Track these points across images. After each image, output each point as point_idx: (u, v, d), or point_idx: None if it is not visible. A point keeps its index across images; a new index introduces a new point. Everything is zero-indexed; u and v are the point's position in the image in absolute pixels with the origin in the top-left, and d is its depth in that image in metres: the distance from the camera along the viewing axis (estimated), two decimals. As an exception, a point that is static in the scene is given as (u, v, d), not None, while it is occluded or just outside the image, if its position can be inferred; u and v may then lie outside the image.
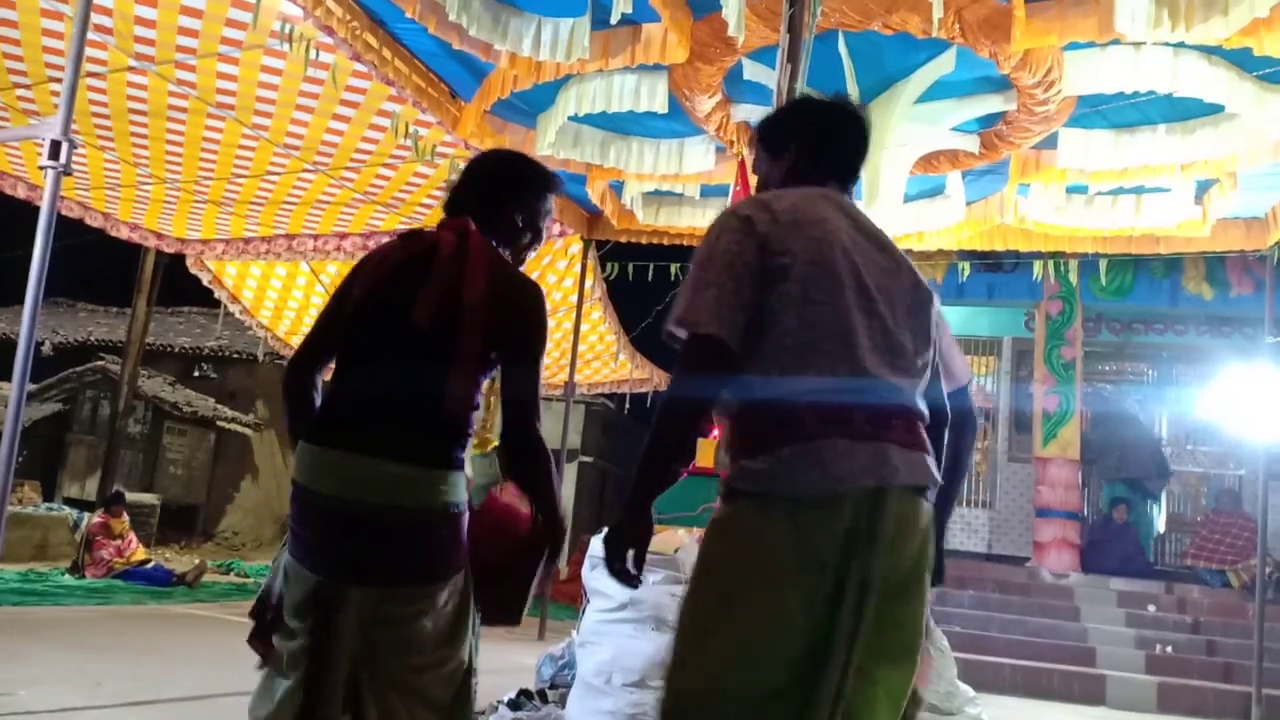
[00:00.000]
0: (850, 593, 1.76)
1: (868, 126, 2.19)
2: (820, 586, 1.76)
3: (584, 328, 9.04)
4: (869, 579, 1.76)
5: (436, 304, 2.13)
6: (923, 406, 1.92)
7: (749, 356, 1.83)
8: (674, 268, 9.10)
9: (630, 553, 1.86)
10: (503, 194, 2.35)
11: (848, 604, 1.75)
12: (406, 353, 2.13)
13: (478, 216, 2.28)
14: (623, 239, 8.32)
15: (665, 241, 8.21)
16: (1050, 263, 8.82)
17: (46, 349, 17.59)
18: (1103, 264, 9.10)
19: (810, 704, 1.74)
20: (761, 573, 1.78)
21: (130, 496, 12.43)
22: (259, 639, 2.20)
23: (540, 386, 2.23)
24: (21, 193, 7.53)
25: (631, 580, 1.88)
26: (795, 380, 1.82)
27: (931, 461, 1.89)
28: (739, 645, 1.77)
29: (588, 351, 10.31)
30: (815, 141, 2.12)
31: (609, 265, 9.10)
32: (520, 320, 2.19)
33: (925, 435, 1.90)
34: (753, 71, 5.24)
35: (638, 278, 9.30)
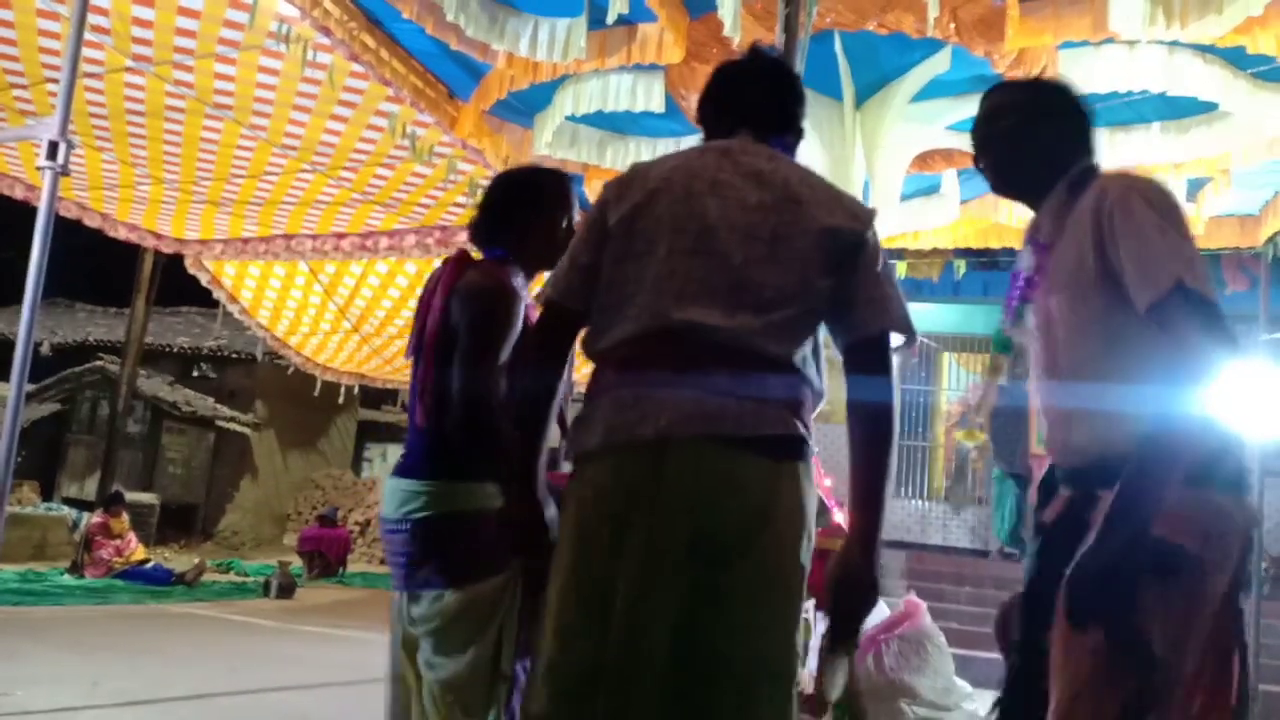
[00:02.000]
0: (630, 554, 1.63)
1: (780, 69, 2.11)
2: (609, 549, 1.65)
3: (582, 327, 9.04)
4: (655, 539, 1.62)
5: (414, 339, 2.38)
6: (773, 347, 1.72)
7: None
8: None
9: (525, 530, 1.94)
10: (519, 214, 2.43)
11: (628, 567, 1.63)
12: (413, 380, 2.40)
13: (503, 239, 2.40)
14: (620, 238, 8.31)
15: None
16: (1047, 261, 8.81)
17: (45, 349, 17.59)
18: (1099, 262, 9.10)
19: (613, 676, 1.61)
20: (564, 538, 1.76)
21: (129, 496, 12.44)
22: None
23: (484, 377, 2.21)
24: (19, 193, 7.54)
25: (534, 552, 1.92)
26: (603, 335, 1.81)
27: (773, 409, 1.69)
28: (548, 618, 1.73)
29: (586, 350, 10.31)
30: (716, 97, 2.09)
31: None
32: (462, 322, 2.28)
33: (771, 378, 1.71)
34: (749, 71, 5.26)
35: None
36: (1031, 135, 2.06)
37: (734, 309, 1.71)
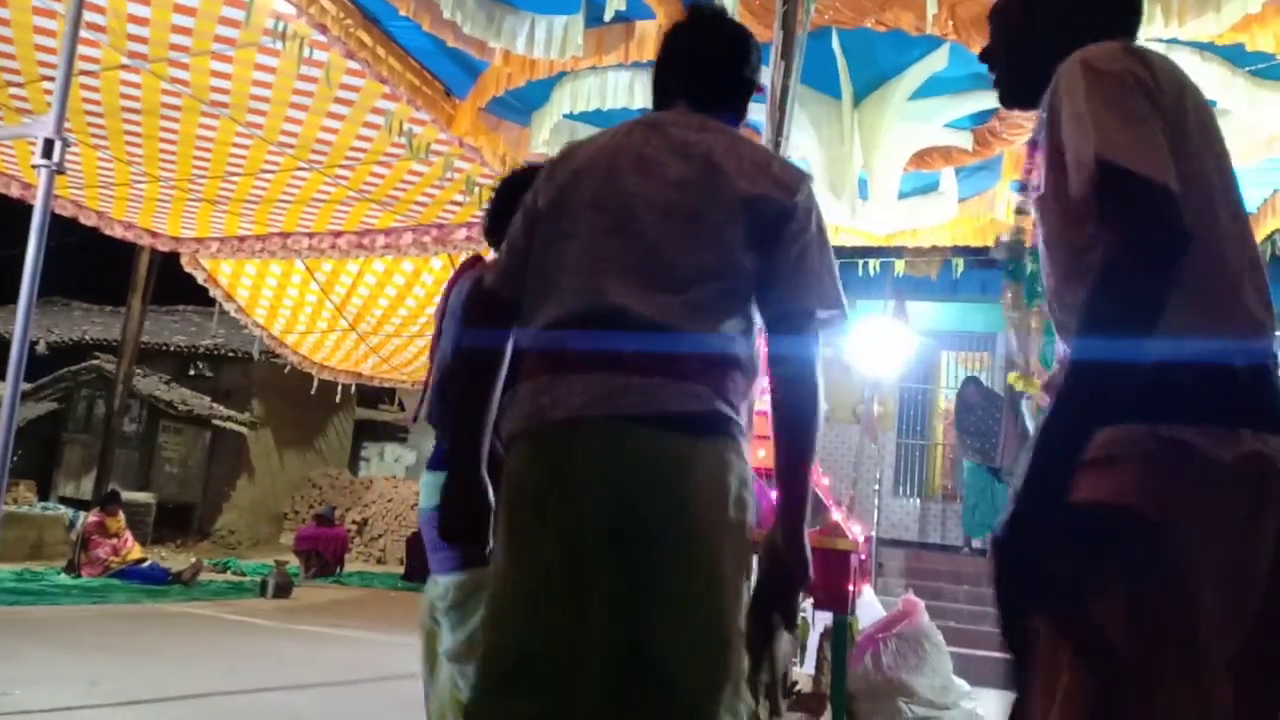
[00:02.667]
0: (550, 539, 1.62)
1: (716, 29, 2.00)
2: (532, 533, 1.65)
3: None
4: (571, 522, 1.61)
5: (434, 339, 2.62)
6: (690, 325, 1.67)
7: None
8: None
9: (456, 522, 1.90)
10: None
11: (550, 551, 1.62)
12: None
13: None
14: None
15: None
16: (1044, 259, 8.81)
17: (41, 348, 17.57)
18: (1097, 260, 9.10)
19: (546, 661, 1.60)
20: (498, 523, 1.76)
21: (126, 495, 12.42)
22: None
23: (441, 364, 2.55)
24: (15, 191, 7.52)
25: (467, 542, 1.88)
26: (530, 320, 1.80)
27: (687, 387, 1.64)
28: (487, 605, 1.74)
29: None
30: (658, 65, 2.01)
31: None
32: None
33: (688, 357, 1.66)
34: (747, 69, 5.25)
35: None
36: (1038, 14, 1.69)
37: (651, 289, 1.67)
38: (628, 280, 1.68)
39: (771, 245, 1.73)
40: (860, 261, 9.24)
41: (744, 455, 1.69)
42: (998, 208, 6.73)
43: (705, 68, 1.95)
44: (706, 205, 1.72)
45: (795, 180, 1.77)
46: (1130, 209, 1.31)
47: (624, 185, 1.76)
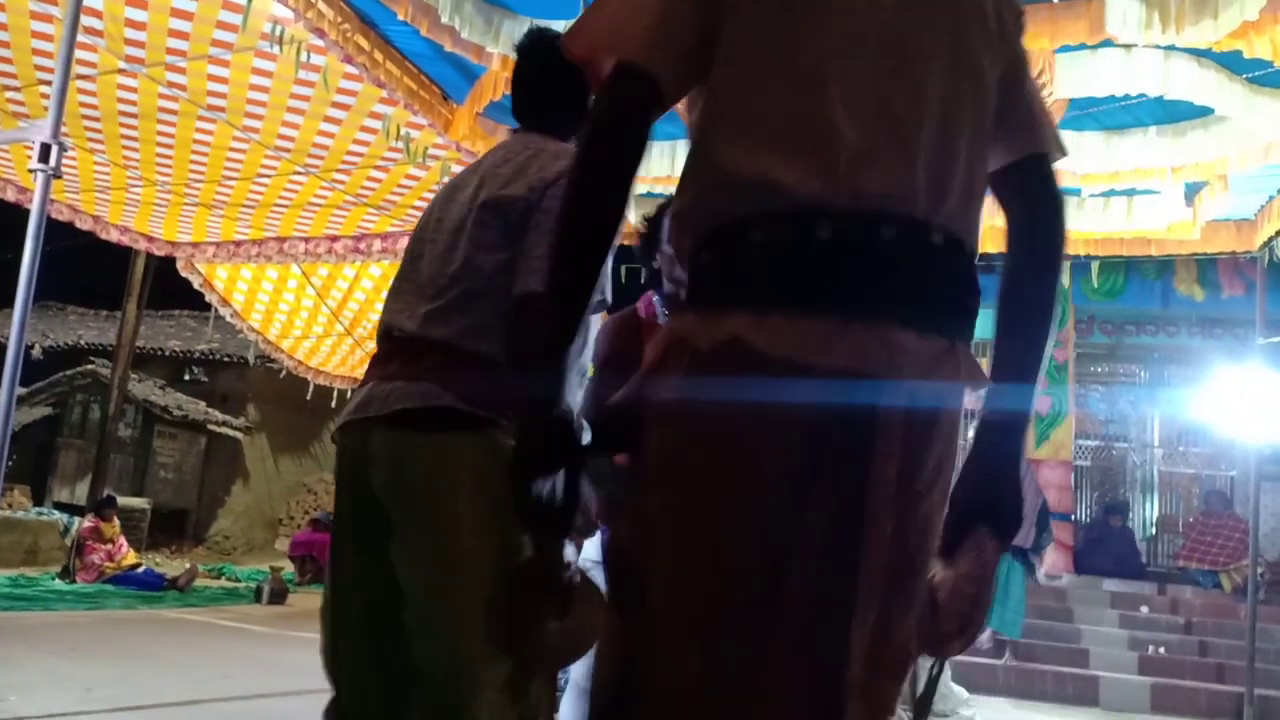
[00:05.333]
0: (348, 523, 1.88)
1: (531, 51, 2.09)
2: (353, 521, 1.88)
3: (577, 330, 9.02)
4: (344, 507, 1.86)
5: None
6: (436, 330, 1.81)
7: None
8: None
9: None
10: None
11: (345, 535, 1.89)
12: None
13: None
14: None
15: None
16: (1042, 265, 8.82)
17: (36, 352, 17.52)
18: (1095, 266, 9.12)
19: (333, 629, 1.89)
20: None
21: (121, 501, 12.38)
22: None
23: None
24: (11, 195, 7.50)
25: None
26: None
27: (421, 387, 1.76)
28: None
29: (581, 354, 10.29)
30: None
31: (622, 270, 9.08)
32: None
33: (426, 363, 1.79)
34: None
35: (630, 280, 9.28)
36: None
37: (417, 303, 1.86)
38: (406, 298, 1.89)
39: (519, 238, 1.81)
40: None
41: (490, 441, 1.74)
42: (997, 213, 6.73)
43: (521, 92, 2.09)
44: (463, 216, 1.88)
45: (547, 181, 1.84)
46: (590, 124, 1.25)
47: (438, 212, 1.97)
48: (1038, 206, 1.34)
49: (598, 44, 1.28)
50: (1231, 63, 4.80)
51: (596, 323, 1.94)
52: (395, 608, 1.75)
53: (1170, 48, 4.67)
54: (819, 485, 1.11)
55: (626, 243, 9.18)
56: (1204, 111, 5.32)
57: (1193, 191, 6.46)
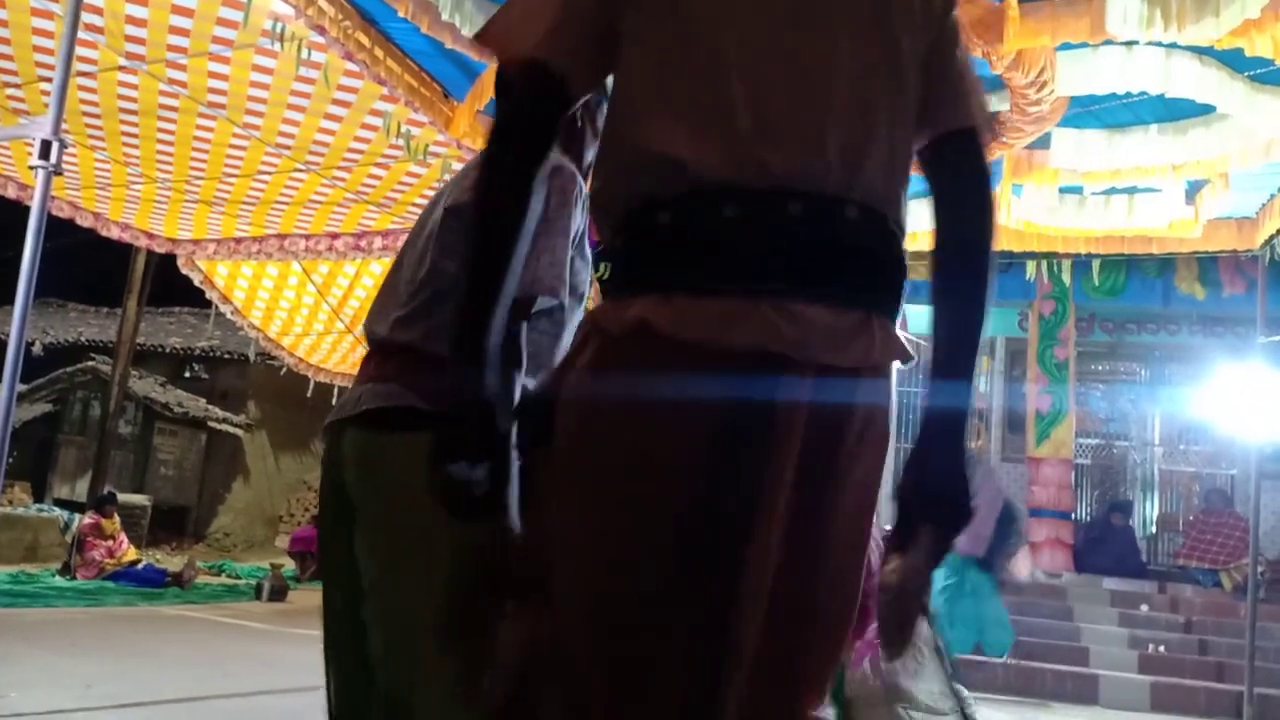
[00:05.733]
0: (329, 520, 1.96)
1: None
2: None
3: (577, 328, 9.04)
4: (338, 507, 1.91)
5: None
6: (401, 335, 1.88)
7: None
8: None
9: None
10: None
11: (327, 532, 1.97)
12: None
13: None
14: (615, 240, 8.30)
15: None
16: (1043, 263, 8.84)
17: (37, 349, 17.52)
18: (1095, 264, 9.12)
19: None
20: None
21: (121, 497, 12.39)
22: None
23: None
24: (12, 192, 7.50)
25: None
26: None
27: (389, 388, 1.84)
28: None
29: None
30: None
31: (602, 266, 9.07)
32: None
33: (392, 365, 1.86)
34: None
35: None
36: None
37: (392, 308, 1.94)
38: (383, 302, 1.99)
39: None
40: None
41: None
42: (998, 211, 6.72)
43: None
44: (434, 222, 1.95)
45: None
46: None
47: (419, 219, 2.08)
48: (962, 182, 1.30)
49: (505, 42, 1.28)
50: (1233, 61, 4.80)
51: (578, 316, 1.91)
52: (359, 601, 1.83)
53: (1171, 45, 4.67)
54: (718, 472, 1.09)
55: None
56: (1205, 109, 5.31)
57: (1194, 189, 6.46)
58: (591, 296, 1.98)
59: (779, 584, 1.11)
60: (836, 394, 1.12)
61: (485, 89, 5.40)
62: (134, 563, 10.59)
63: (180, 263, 9.45)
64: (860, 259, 1.16)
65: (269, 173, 6.89)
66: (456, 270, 1.79)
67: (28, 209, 3.16)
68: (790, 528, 1.12)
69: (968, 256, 1.28)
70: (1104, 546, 9.73)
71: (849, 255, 1.15)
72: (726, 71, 1.15)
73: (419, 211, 7.59)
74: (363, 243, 8.03)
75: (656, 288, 1.13)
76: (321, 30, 4.72)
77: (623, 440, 1.12)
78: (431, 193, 6.89)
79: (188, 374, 18.41)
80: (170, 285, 13.17)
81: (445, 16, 4.50)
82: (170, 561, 12.72)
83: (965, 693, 5.47)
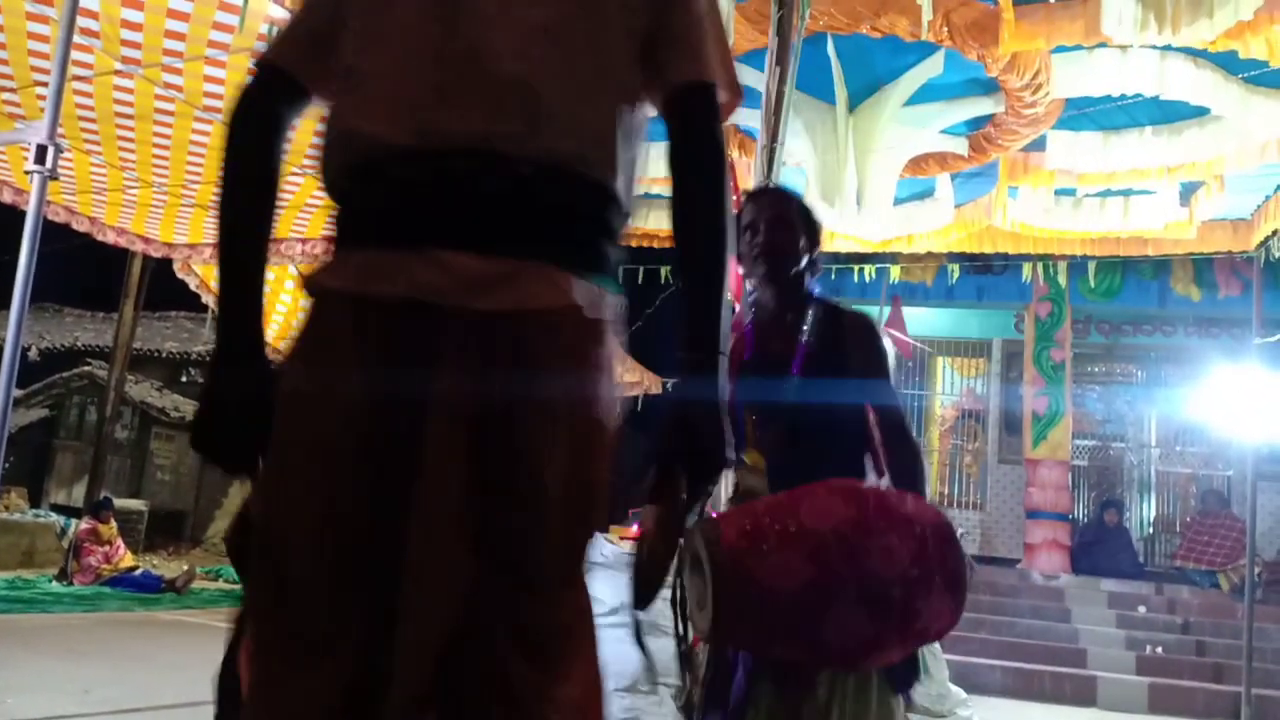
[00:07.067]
0: None
1: None
2: None
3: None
4: None
5: None
6: None
7: None
8: (664, 271, 9.10)
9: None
10: None
11: None
12: None
13: None
14: (613, 242, 8.31)
15: (655, 245, 8.20)
16: (1039, 265, 8.86)
17: (33, 354, 17.50)
18: (1091, 266, 9.15)
19: None
20: None
21: (118, 502, 12.36)
22: None
23: None
24: (7, 197, 7.48)
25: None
26: None
27: None
28: None
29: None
30: None
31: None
32: None
33: None
34: (742, 75, 5.24)
35: (627, 281, 9.29)
36: None
37: None
38: None
39: None
40: (855, 267, 9.25)
41: None
42: (994, 213, 6.74)
43: None
44: None
45: None
46: None
47: None
48: (688, 140, 1.32)
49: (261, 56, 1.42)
50: (1227, 63, 4.81)
51: None
52: None
53: (1166, 48, 4.68)
54: (373, 415, 1.14)
55: (646, 244, 9.19)
56: (1200, 111, 5.33)
57: (1189, 191, 6.47)
58: None
59: (474, 504, 1.13)
60: (494, 334, 1.15)
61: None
62: (131, 568, 10.57)
63: (176, 267, 9.44)
64: (526, 211, 1.19)
65: (265, 177, 6.89)
66: None
67: (23, 214, 3.16)
68: (473, 456, 1.13)
69: (694, 217, 1.31)
70: (1101, 548, 9.74)
71: (510, 207, 1.18)
72: (395, 43, 1.24)
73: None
74: (359, 247, 8.03)
75: (337, 250, 1.26)
76: (317, 34, 4.73)
77: (289, 383, 1.22)
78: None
79: (184, 378, 18.37)
80: (166, 290, 13.13)
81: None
82: (167, 566, 12.70)
83: (963, 694, 5.48)
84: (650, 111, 1.32)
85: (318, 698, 1.13)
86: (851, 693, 2.07)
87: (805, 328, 2.29)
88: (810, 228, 2.37)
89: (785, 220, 2.33)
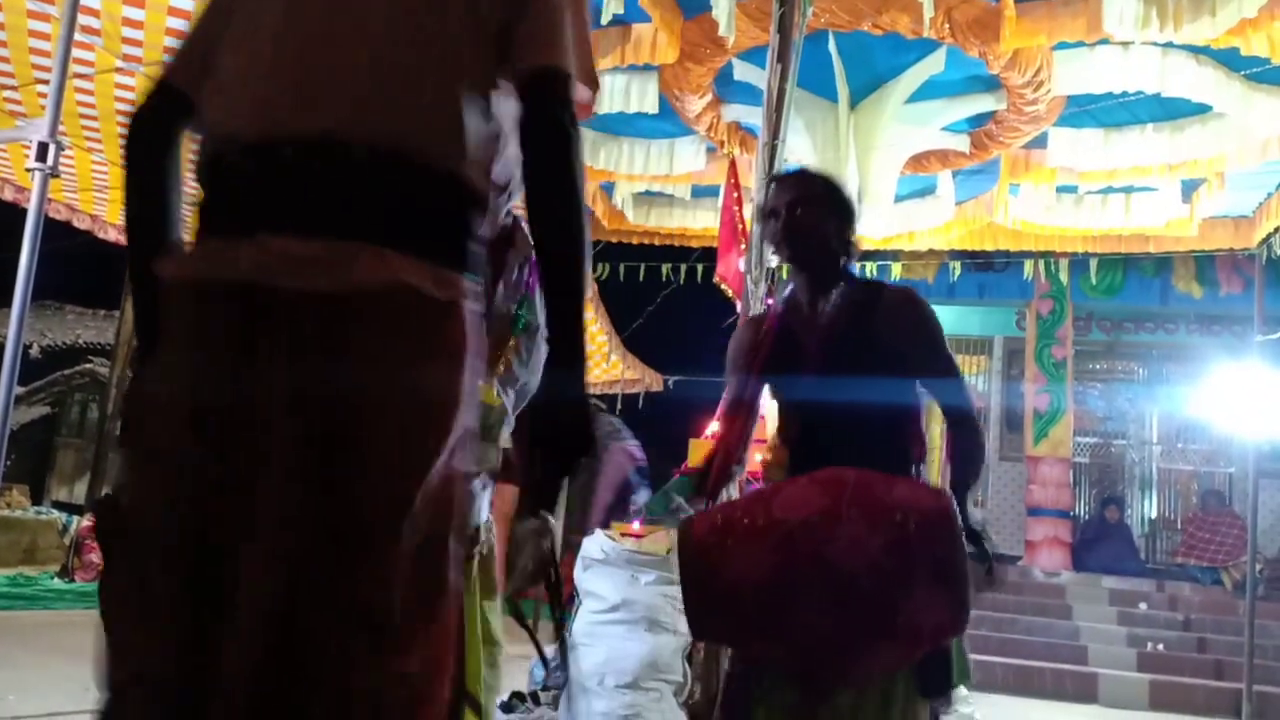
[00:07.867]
0: None
1: None
2: None
3: (575, 329, 9.03)
4: None
5: None
6: None
7: None
8: (665, 268, 9.10)
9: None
10: None
11: None
12: None
13: None
14: (613, 240, 8.31)
15: (656, 242, 8.20)
16: (1041, 262, 8.85)
17: (35, 352, 17.50)
18: (1093, 263, 9.14)
19: None
20: None
21: (120, 500, 12.34)
22: None
23: None
24: (9, 195, 7.49)
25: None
26: None
27: None
28: None
29: (579, 352, 10.28)
30: None
31: (600, 266, 9.10)
32: None
33: None
34: (743, 72, 5.24)
35: (629, 279, 9.30)
36: None
37: None
38: None
39: None
40: (856, 264, 9.24)
41: None
42: (996, 211, 6.73)
43: None
44: None
45: None
46: None
47: None
48: (534, 127, 1.31)
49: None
50: (1229, 60, 4.81)
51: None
52: None
53: (1168, 45, 4.68)
54: (209, 417, 1.18)
55: (646, 241, 9.14)
56: (1202, 108, 5.32)
57: (1190, 188, 6.47)
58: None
59: (301, 485, 1.15)
60: (319, 315, 1.17)
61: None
62: (133, 565, 10.59)
63: (178, 265, 9.44)
64: (357, 196, 1.21)
65: (266, 174, 6.89)
66: None
67: (25, 211, 3.16)
68: (300, 437, 1.15)
69: (539, 204, 1.30)
70: (1102, 545, 9.73)
71: (340, 192, 1.21)
72: (247, 44, 1.30)
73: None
74: (360, 244, 8.02)
75: (193, 242, 1.30)
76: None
77: (137, 374, 1.34)
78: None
79: (186, 376, 18.38)
80: (168, 287, 13.13)
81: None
82: (169, 564, 12.70)
83: (964, 691, 5.47)
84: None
85: (160, 661, 1.26)
86: (877, 700, 1.98)
87: (827, 309, 2.19)
88: (840, 208, 2.26)
89: (808, 201, 2.23)
